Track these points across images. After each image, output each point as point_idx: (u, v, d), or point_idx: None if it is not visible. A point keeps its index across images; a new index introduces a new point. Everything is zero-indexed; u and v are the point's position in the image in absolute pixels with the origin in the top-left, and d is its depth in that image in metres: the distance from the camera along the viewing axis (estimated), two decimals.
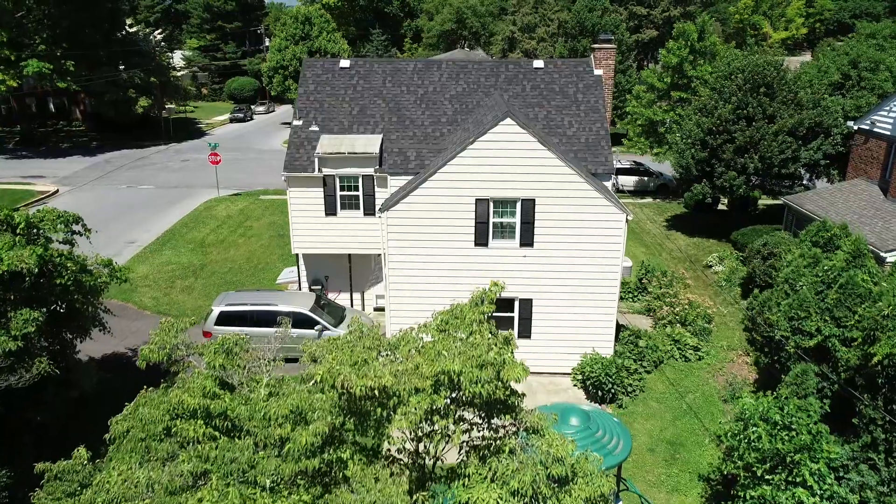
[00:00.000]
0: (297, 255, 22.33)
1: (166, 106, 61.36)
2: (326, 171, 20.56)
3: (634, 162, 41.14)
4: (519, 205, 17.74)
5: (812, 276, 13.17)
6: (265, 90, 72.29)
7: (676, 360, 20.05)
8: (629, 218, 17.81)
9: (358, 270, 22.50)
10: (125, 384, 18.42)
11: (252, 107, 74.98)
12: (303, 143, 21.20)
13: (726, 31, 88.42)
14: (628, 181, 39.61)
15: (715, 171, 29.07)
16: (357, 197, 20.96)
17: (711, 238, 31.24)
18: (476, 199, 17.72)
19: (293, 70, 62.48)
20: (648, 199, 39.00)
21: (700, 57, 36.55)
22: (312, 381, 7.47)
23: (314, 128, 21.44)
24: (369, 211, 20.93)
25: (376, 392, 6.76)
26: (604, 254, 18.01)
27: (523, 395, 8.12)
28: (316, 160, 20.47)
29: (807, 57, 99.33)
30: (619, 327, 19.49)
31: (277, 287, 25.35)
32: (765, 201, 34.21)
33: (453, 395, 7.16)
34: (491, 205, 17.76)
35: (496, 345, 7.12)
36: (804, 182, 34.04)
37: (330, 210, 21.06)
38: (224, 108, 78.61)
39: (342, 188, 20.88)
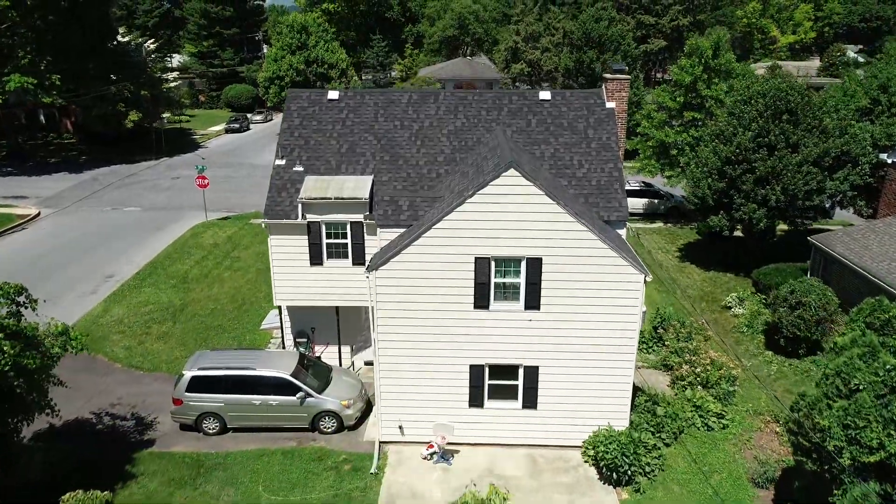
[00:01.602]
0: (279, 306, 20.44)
1: (161, 116, 59.36)
2: (311, 217, 18.63)
3: (644, 183, 39.12)
4: (524, 264, 15.79)
5: (870, 374, 11.24)
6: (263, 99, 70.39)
7: (698, 428, 18.07)
8: (648, 279, 15.85)
9: (347, 322, 20.57)
10: (80, 464, 16.59)
11: (249, 116, 72.86)
12: (285, 185, 19.27)
13: (733, 34, 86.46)
14: (637, 203, 37.60)
15: (733, 203, 27.05)
16: (345, 245, 19.03)
17: (728, 272, 29.23)
18: (476, 258, 15.77)
19: (289, 81, 60.65)
20: (659, 224, 36.99)
21: (715, 75, 34.51)
22: None
23: (298, 168, 19.51)
24: (358, 260, 18.98)
25: None
26: (619, 318, 16.06)
27: None
28: (300, 206, 18.54)
29: (815, 62, 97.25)
30: (634, 389, 17.50)
31: (261, 333, 23.49)
32: (783, 226, 32.15)
33: None
34: (492, 264, 15.81)
35: None
36: (826, 207, 32.10)
37: (315, 259, 19.12)
38: (221, 116, 76.61)
39: (329, 235, 18.95)
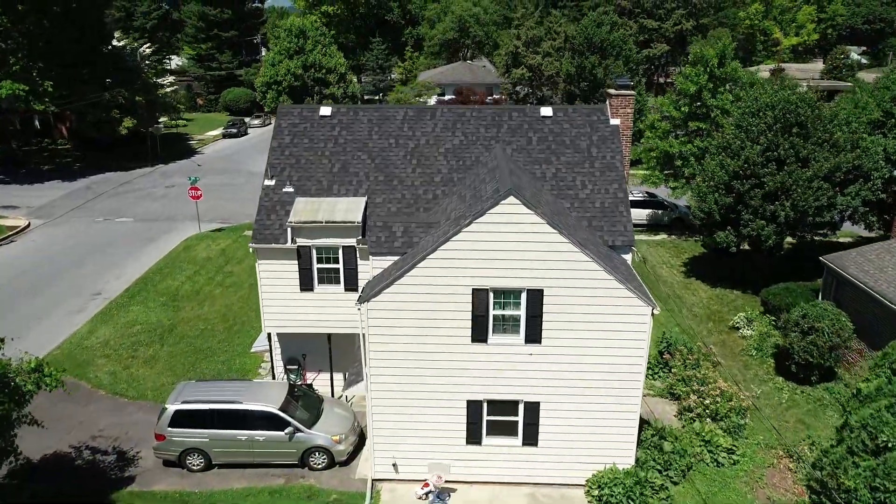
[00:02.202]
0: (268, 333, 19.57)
1: (159, 120, 58.43)
2: (301, 241, 17.76)
3: (647, 193, 38.23)
4: (524, 296, 14.94)
5: None
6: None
7: (707, 464, 17.19)
8: (655, 312, 15.01)
9: (339, 349, 19.69)
10: None
11: (247, 120, 71.96)
12: (275, 207, 18.41)
13: (735, 35, 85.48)
14: (641, 214, 36.71)
15: (741, 219, 26.16)
16: (337, 270, 18.17)
17: (735, 289, 28.32)
18: (473, 289, 14.92)
19: (287, 86, 59.68)
20: (663, 235, 36.11)
21: (720, 84, 33.60)
22: None
23: (288, 189, 18.65)
24: (351, 286, 18.13)
25: None
26: (624, 353, 15.21)
27: None
28: (289, 230, 17.68)
29: (818, 64, 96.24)
30: (640, 421, 16.60)
31: (252, 356, 22.65)
32: (790, 239, 31.20)
33: None
34: (491, 295, 14.96)
35: None
36: (835, 222, 31.23)
37: (306, 285, 18.26)
38: (219, 120, 75.63)
39: (320, 260, 18.10)
